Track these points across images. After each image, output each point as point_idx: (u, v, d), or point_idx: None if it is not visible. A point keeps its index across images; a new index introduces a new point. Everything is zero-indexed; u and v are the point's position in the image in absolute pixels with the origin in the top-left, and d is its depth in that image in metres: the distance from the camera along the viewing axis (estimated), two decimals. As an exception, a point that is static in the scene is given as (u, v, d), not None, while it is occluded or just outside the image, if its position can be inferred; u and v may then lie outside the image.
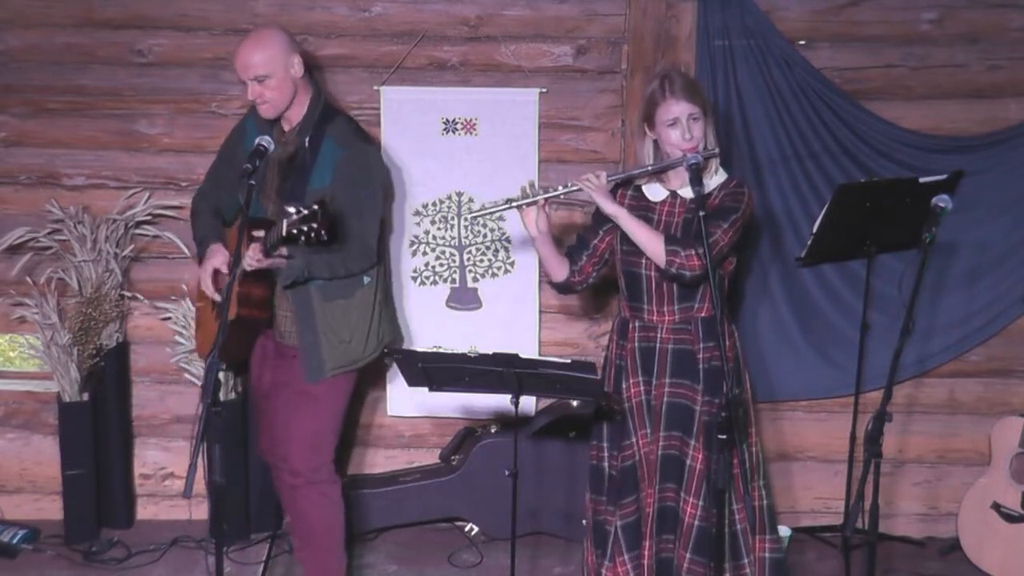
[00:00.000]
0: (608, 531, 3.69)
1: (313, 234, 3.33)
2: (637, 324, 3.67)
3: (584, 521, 3.86)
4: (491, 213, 3.72)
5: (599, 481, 3.75)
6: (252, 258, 3.54)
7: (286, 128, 3.78)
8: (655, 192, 3.67)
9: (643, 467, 3.64)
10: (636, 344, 3.66)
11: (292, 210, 3.33)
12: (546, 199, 3.60)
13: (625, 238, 3.62)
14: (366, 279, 3.78)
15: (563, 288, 3.80)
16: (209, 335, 3.86)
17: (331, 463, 3.86)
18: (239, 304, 3.66)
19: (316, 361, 3.72)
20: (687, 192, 3.56)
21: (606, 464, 3.73)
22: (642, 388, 3.64)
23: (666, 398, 3.61)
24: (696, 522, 3.57)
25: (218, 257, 3.78)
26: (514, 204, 3.61)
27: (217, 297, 3.74)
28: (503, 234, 4.53)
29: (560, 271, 3.74)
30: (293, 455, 3.79)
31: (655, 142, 3.61)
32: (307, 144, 3.70)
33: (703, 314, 3.61)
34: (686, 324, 3.62)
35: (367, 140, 3.82)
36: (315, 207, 3.32)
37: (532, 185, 3.66)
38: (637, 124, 3.67)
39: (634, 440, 3.65)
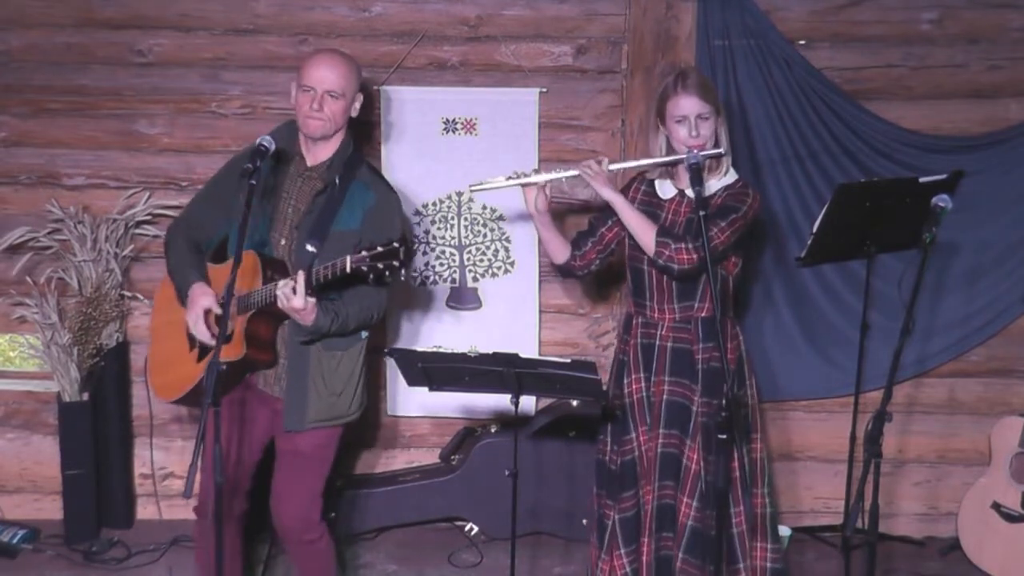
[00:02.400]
0: (607, 525, 3.71)
1: (389, 272, 3.19)
2: (640, 320, 3.69)
3: (585, 521, 3.86)
4: (492, 189, 3.73)
5: (601, 475, 3.76)
6: (294, 297, 3.26)
7: (310, 163, 3.58)
8: (666, 190, 3.69)
9: (643, 463, 3.65)
10: (638, 340, 3.68)
11: (362, 252, 3.19)
12: (547, 181, 3.64)
13: None
14: (364, 333, 3.62)
15: (563, 271, 3.83)
16: (180, 378, 3.63)
17: (320, 519, 3.68)
18: (247, 343, 3.44)
19: (299, 410, 3.51)
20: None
21: (607, 458, 3.74)
22: (643, 384, 3.65)
23: (665, 396, 3.62)
24: (690, 522, 3.59)
25: (206, 298, 3.49)
26: (515, 182, 3.65)
27: (211, 341, 3.44)
28: (503, 234, 4.53)
29: (561, 253, 3.77)
30: (282, 514, 3.63)
31: (666, 137, 3.62)
32: (337, 182, 3.52)
33: (703, 314, 3.62)
34: (686, 323, 3.63)
35: (392, 189, 3.69)
36: (395, 244, 3.18)
37: (535, 170, 3.72)
38: (650, 118, 3.68)
39: (634, 436, 3.67)
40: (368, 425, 4.70)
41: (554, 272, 3.95)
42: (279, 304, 3.33)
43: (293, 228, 3.53)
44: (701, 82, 3.59)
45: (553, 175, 3.67)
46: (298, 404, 3.52)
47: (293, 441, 3.58)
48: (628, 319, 3.74)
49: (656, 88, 3.69)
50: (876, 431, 3.11)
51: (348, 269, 3.21)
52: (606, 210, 3.74)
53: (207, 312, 3.50)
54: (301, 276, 3.29)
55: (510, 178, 3.65)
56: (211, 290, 3.52)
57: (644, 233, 3.55)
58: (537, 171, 3.73)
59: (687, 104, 3.52)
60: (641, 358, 3.67)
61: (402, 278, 3.24)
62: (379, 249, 3.18)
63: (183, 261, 3.61)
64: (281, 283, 3.32)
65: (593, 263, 3.78)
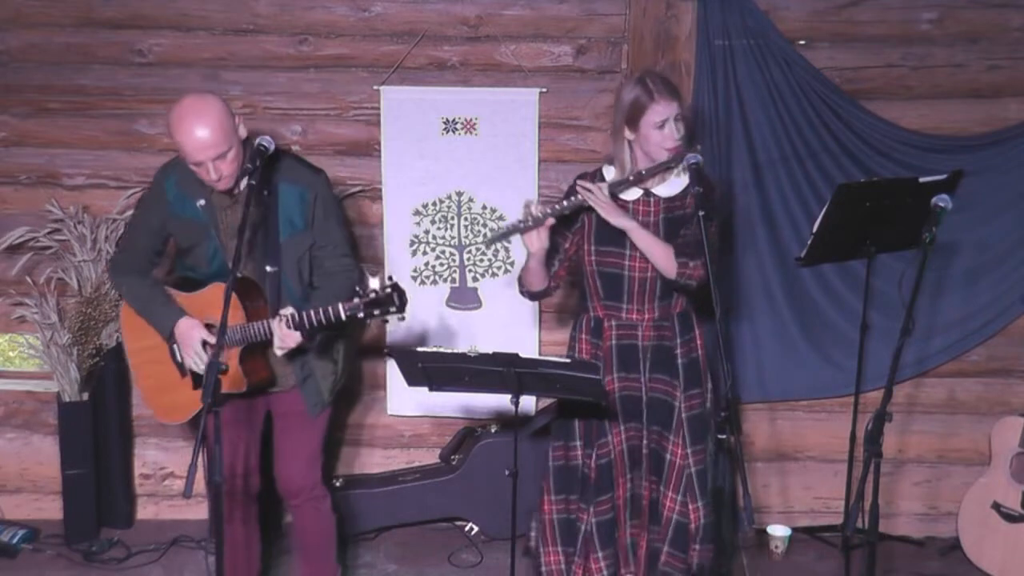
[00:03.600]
0: (579, 528, 3.69)
1: (393, 309, 3.24)
2: (614, 323, 3.66)
3: (534, 524, 3.82)
4: (503, 239, 3.66)
5: (569, 480, 3.71)
6: (288, 342, 3.37)
7: (233, 191, 3.50)
8: (628, 192, 3.63)
9: (620, 462, 3.65)
10: (613, 342, 3.66)
11: (355, 300, 3.23)
12: (555, 217, 3.51)
13: (599, 239, 3.59)
14: None
15: (541, 295, 3.74)
16: (182, 403, 3.65)
17: (322, 480, 3.81)
18: (248, 377, 3.52)
19: (316, 396, 3.67)
20: (662, 191, 3.57)
21: (579, 463, 3.71)
22: (617, 384, 3.64)
23: (647, 393, 3.62)
24: (674, 516, 3.62)
25: (198, 331, 3.51)
26: (525, 228, 3.51)
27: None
28: (503, 234, 4.53)
29: (543, 282, 3.66)
30: (292, 476, 3.74)
31: (629, 143, 3.57)
32: (266, 196, 3.48)
33: (679, 310, 3.65)
34: (664, 320, 3.63)
35: (313, 167, 3.65)
36: (388, 290, 3.22)
37: (534, 204, 3.54)
38: (615, 126, 3.59)
39: (609, 438, 3.66)
40: (368, 425, 4.71)
41: (525, 297, 3.82)
42: (276, 351, 3.44)
43: (246, 256, 3.49)
44: (670, 84, 3.54)
45: (558, 211, 3.51)
46: (314, 392, 3.67)
47: (287, 406, 3.68)
48: (597, 323, 3.69)
49: (623, 96, 3.53)
50: (876, 431, 3.11)
51: (343, 317, 3.28)
52: (560, 223, 3.61)
53: (205, 344, 3.53)
54: (288, 326, 3.34)
55: (521, 222, 3.51)
56: (198, 321, 3.53)
57: (663, 257, 3.51)
58: (542, 210, 3.50)
59: (666, 109, 3.47)
60: (617, 359, 3.65)
61: (402, 319, 3.29)
62: (372, 296, 3.24)
63: (149, 299, 3.62)
64: (276, 343, 3.40)
65: (563, 279, 3.74)
